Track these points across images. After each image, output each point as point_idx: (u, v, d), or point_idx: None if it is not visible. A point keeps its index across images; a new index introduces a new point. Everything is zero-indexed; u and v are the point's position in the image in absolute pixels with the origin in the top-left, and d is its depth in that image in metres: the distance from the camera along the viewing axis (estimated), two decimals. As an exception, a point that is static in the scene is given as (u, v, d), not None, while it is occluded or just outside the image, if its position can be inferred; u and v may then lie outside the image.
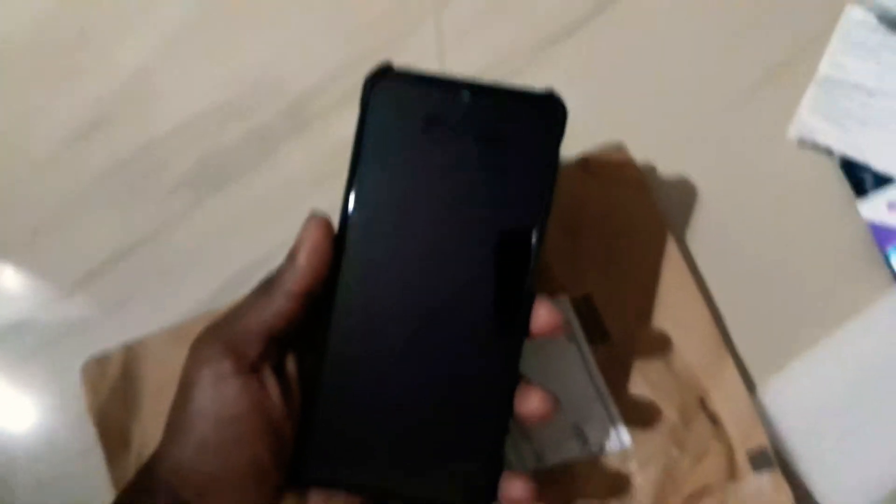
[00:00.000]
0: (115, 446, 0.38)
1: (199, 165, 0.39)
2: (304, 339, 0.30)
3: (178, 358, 0.38)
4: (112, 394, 0.38)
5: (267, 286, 0.29)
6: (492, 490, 0.30)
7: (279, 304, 0.29)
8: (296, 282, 0.29)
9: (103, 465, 0.38)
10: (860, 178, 0.41)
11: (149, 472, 0.29)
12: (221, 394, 0.28)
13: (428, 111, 0.29)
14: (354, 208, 0.29)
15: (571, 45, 0.43)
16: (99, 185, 0.41)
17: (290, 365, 0.30)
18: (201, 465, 0.28)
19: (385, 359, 0.30)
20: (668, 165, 0.42)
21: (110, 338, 0.40)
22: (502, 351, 0.30)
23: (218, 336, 0.29)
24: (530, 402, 0.30)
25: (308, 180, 0.42)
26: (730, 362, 0.40)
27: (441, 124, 0.29)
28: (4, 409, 0.41)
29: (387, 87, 0.29)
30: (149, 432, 0.38)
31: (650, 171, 0.41)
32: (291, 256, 0.29)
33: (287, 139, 0.41)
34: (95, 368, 0.39)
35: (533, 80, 0.42)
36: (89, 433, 0.39)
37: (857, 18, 0.41)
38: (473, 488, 0.30)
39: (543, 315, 0.30)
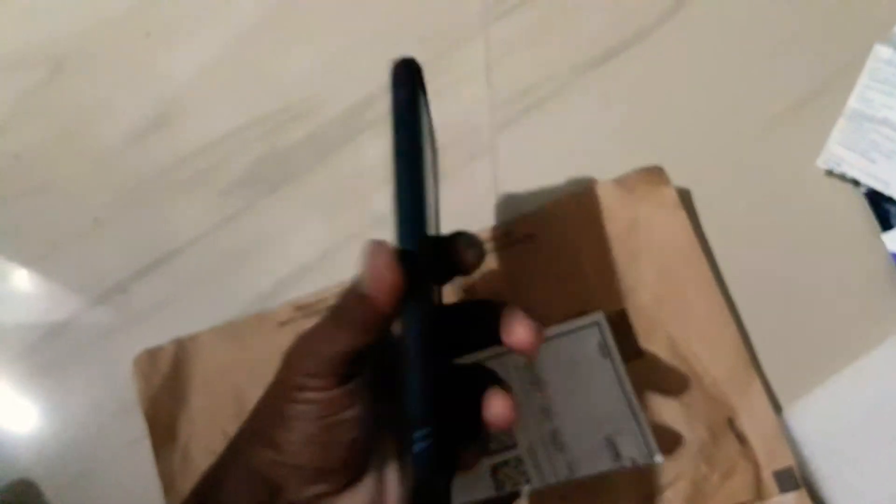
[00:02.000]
0: (162, 438, 0.39)
1: (254, 167, 0.41)
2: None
3: (226, 354, 0.40)
4: (163, 386, 0.40)
5: (339, 312, 0.29)
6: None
7: (352, 337, 0.28)
8: (366, 314, 0.28)
9: (149, 457, 0.39)
10: (886, 211, 0.43)
11: (232, 451, 0.30)
12: (319, 399, 0.28)
13: None
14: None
15: (611, 69, 0.45)
16: (157, 181, 0.44)
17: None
18: (292, 458, 0.29)
19: None
20: (701, 189, 0.43)
21: (161, 334, 0.41)
22: None
23: (311, 354, 0.29)
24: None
25: (359, 185, 0.44)
26: (758, 384, 0.41)
27: None
28: (61, 402, 0.42)
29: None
30: (196, 426, 0.39)
31: (685, 194, 0.43)
32: (358, 287, 0.28)
33: (340, 146, 0.43)
34: (147, 360, 0.40)
35: (572, 101, 0.44)
36: (135, 426, 0.40)
37: (884, 57, 0.43)
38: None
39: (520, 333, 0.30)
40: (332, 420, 0.29)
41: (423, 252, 0.27)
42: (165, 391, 0.40)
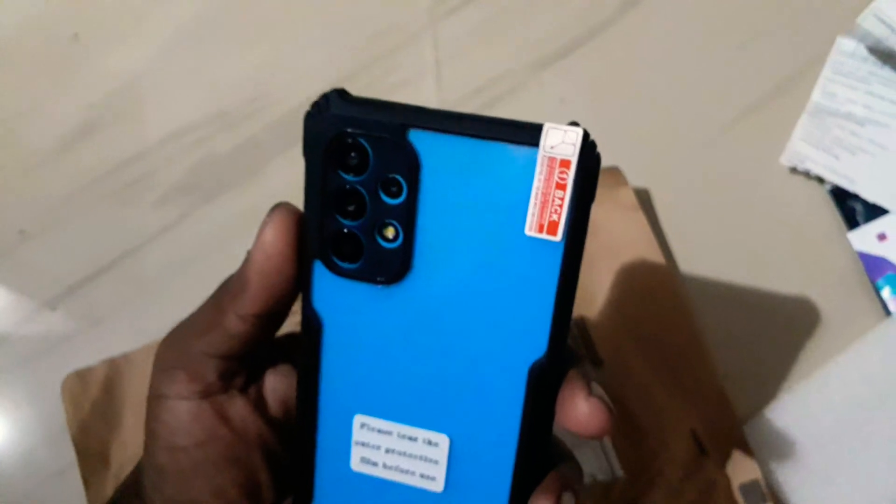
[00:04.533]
0: (93, 464, 0.37)
1: (191, 174, 0.39)
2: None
3: (161, 375, 0.38)
4: (93, 409, 0.37)
5: (215, 300, 0.24)
6: None
7: (230, 327, 0.23)
8: (244, 305, 0.23)
9: (79, 487, 0.37)
10: (851, 209, 0.41)
11: (132, 484, 0.27)
12: (175, 418, 0.24)
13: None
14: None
15: (565, 67, 0.43)
16: (87, 191, 0.41)
17: (274, 383, 0.25)
18: (163, 490, 0.24)
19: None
20: (661, 189, 0.42)
21: (92, 353, 0.39)
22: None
23: (174, 348, 0.25)
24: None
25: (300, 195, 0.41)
26: (722, 392, 0.39)
27: None
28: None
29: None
30: (129, 450, 0.37)
31: (643, 194, 0.41)
32: (243, 270, 0.23)
33: (280, 152, 0.41)
34: (76, 383, 0.38)
35: (527, 100, 0.42)
36: (68, 452, 0.38)
37: (847, 49, 0.42)
38: None
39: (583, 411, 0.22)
40: (208, 440, 0.24)
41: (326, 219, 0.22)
42: (96, 415, 0.38)
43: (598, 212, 0.39)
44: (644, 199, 0.41)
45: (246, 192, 0.41)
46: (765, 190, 0.42)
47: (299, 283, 0.23)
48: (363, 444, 0.23)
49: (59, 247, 0.41)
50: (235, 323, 0.23)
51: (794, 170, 0.42)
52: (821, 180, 0.42)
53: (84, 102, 0.42)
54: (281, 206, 0.23)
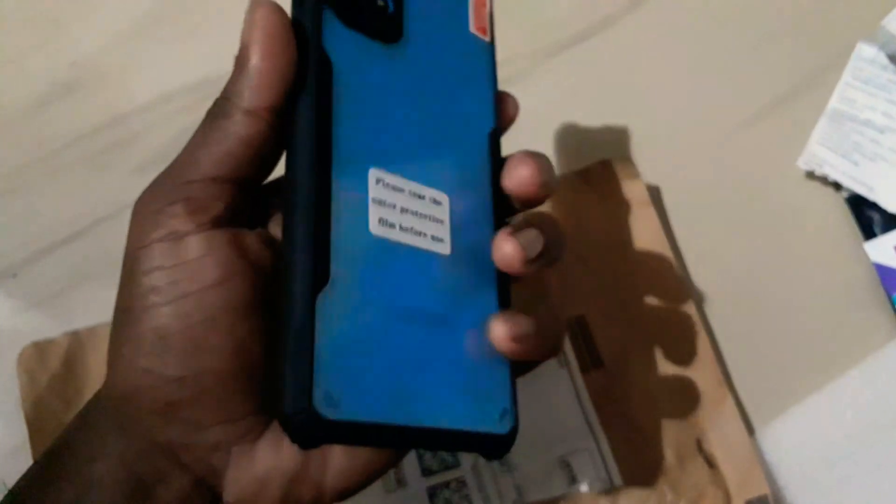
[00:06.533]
0: (47, 444, 0.33)
1: (175, 143, 0.36)
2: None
3: (129, 351, 0.35)
4: (50, 384, 0.34)
5: (216, 110, 0.22)
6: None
7: (237, 129, 0.21)
8: (254, 92, 0.21)
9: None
10: (868, 218, 0.40)
11: (94, 404, 0.23)
12: (178, 260, 0.20)
13: None
14: None
15: (576, 56, 0.41)
16: (61, 154, 0.38)
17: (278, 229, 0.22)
18: (164, 369, 0.20)
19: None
20: (672, 188, 0.40)
21: (54, 325, 0.36)
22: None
23: (166, 187, 0.21)
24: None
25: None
26: (730, 402, 0.37)
27: None
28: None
29: None
30: (87, 433, 0.34)
31: (654, 192, 0.39)
32: (242, 61, 0.21)
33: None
34: (34, 355, 0.35)
35: (535, 88, 0.40)
36: (18, 431, 0.34)
37: (867, 56, 0.41)
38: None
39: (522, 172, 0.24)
40: (226, 277, 0.20)
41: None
42: (53, 392, 0.34)
43: (607, 204, 0.38)
44: (655, 197, 0.39)
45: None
46: (779, 193, 0.40)
47: (302, 45, 0.22)
48: (380, 203, 0.22)
49: (27, 210, 0.38)
50: (244, 123, 0.21)
51: (810, 174, 0.40)
52: (838, 187, 0.40)
53: (65, 60, 0.39)
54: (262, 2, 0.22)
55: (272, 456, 0.21)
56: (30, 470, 0.22)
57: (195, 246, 0.20)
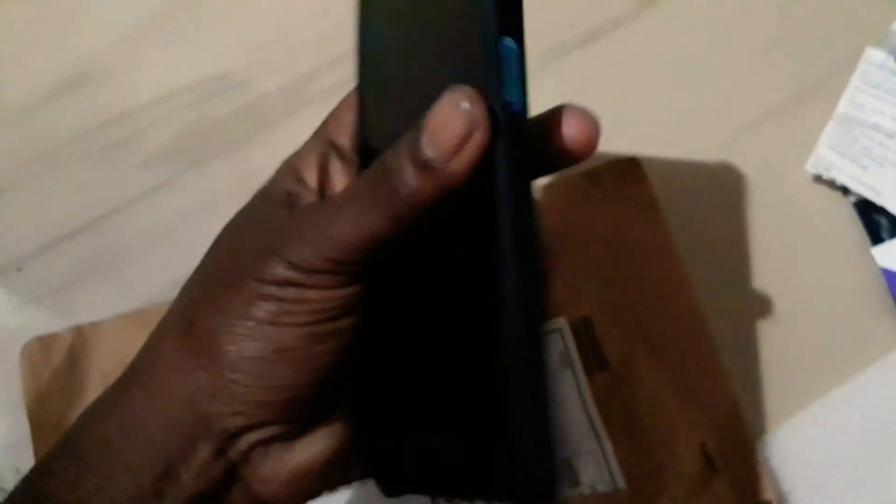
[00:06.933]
0: (48, 439, 0.34)
1: (179, 138, 0.37)
2: None
3: (131, 346, 0.34)
4: (53, 379, 0.34)
5: (371, 187, 0.21)
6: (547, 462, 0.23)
7: (386, 218, 0.20)
8: (420, 190, 0.20)
9: (32, 464, 0.34)
10: (876, 223, 0.39)
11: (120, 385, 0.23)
12: (291, 306, 0.21)
13: None
14: None
15: (583, 57, 0.41)
16: (68, 148, 0.39)
17: None
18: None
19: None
20: (677, 191, 0.40)
21: (59, 320, 0.36)
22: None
23: (300, 235, 0.21)
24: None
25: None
26: (735, 406, 0.37)
27: None
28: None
29: None
30: (89, 428, 0.34)
31: (661, 192, 0.39)
32: (415, 150, 0.20)
33: (276, 121, 0.39)
34: (38, 349, 0.35)
35: (544, 86, 0.40)
36: (20, 426, 0.34)
37: (876, 60, 0.40)
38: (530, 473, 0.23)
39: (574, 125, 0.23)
40: (321, 330, 0.21)
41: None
42: (56, 386, 0.34)
43: (613, 205, 0.38)
44: (660, 199, 0.39)
45: (236, 160, 0.39)
46: (786, 197, 0.40)
47: None
48: None
49: (33, 204, 0.38)
50: (393, 217, 0.20)
51: (818, 178, 0.40)
52: (846, 191, 0.40)
53: (73, 55, 0.39)
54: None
55: (308, 449, 0.23)
56: (52, 449, 0.23)
57: (323, 298, 0.21)
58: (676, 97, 0.41)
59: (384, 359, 0.23)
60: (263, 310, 0.21)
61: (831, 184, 0.40)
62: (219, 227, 0.38)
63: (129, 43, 0.40)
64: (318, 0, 0.41)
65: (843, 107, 0.40)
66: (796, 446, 0.37)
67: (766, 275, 0.39)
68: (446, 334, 0.23)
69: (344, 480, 0.24)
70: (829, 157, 0.40)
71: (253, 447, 0.22)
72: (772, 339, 0.38)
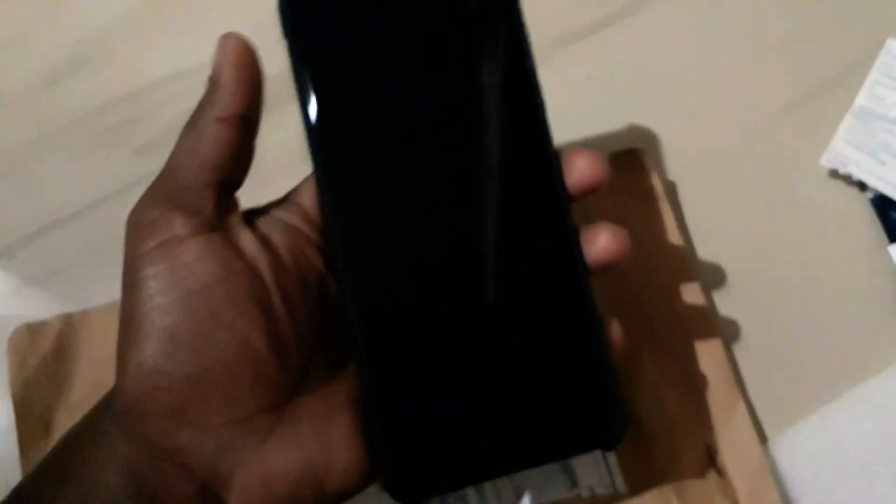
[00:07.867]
0: (32, 431, 0.33)
1: (178, 124, 0.36)
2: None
3: (122, 335, 0.34)
4: (40, 367, 0.33)
5: (192, 123, 0.24)
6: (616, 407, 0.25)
7: (211, 135, 0.23)
8: (225, 105, 0.24)
9: (15, 452, 0.33)
10: (894, 221, 0.38)
11: (102, 408, 0.23)
12: (179, 262, 0.22)
13: None
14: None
15: (596, 44, 0.40)
16: (64, 132, 0.38)
17: (268, 229, 0.24)
18: (172, 367, 0.21)
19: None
20: (689, 184, 0.38)
21: (49, 307, 0.35)
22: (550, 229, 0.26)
23: (159, 197, 0.23)
24: (596, 243, 0.26)
25: (289, 157, 0.38)
26: (742, 408, 0.35)
27: None
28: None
29: None
30: (76, 417, 0.33)
31: (670, 187, 0.38)
32: (214, 78, 0.24)
33: (280, 106, 0.38)
34: (26, 336, 0.34)
35: (550, 75, 0.39)
36: (3, 413, 0.34)
37: (898, 52, 0.39)
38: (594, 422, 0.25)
39: (581, 165, 0.26)
40: (227, 275, 0.22)
41: None
42: (43, 374, 0.33)
43: (619, 198, 0.36)
44: (670, 193, 0.38)
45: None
46: (801, 192, 0.38)
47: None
48: None
49: (26, 189, 0.37)
50: (216, 130, 0.23)
51: (834, 172, 0.38)
52: (862, 187, 0.38)
53: (72, 38, 0.39)
54: (230, 34, 0.25)
55: (279, 457, 0.22)
56: (35, 469, 0.23)
57: (194, 248, 0.22)
58: (688, 88, 0.39)
59: (408, 360, 0.23)
60: (147, 277, 0.22)
61: (847, 179, 0.38)
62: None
63: (129, 26, 0.39)
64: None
65: (861, 100, 0.39)
66: (805, 451, 0.36)
67: (777, 273, 0.38)
68: (477, 312, 0.24)
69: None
70: (845, 151, 0.38)
71: (218, 453, 0.22)
72: (783, 338, 0.37)
